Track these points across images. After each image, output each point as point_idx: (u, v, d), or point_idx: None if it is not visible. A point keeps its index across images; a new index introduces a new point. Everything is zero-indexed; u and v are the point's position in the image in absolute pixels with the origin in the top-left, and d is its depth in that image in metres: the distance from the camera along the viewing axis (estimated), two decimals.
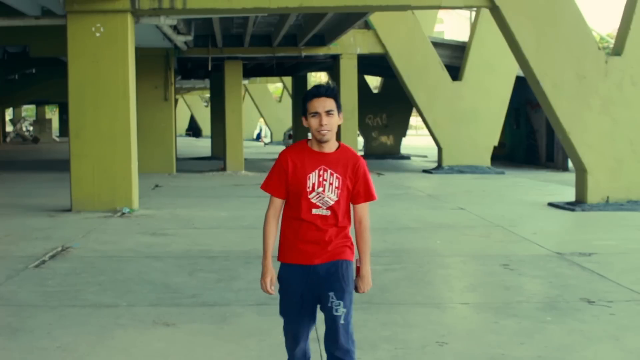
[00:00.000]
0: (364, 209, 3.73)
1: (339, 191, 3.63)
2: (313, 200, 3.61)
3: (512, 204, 13.32)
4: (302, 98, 3.66)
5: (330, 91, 3.63)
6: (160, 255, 8.24)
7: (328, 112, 3.58)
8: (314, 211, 3.61)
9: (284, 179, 3.65)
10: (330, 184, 3.62)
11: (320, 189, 3.61)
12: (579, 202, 12.51)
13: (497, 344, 5.01)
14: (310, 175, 3.61)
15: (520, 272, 7.41)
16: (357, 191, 3.68)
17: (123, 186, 11.86)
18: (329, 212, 3.62)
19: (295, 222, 3.65)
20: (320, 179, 3.62)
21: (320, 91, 3.61)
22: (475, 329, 5.48)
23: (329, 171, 3.62)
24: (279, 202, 3.70)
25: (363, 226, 3.72)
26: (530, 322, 5.54)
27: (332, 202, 3.62)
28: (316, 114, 3.58)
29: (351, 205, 3.71)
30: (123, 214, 11.47)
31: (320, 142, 3.62)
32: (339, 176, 3.62)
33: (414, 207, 12.71)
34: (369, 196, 3.71)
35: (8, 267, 7.45)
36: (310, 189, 3.61)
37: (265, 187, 3.72)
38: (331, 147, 3.66)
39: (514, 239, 9.42)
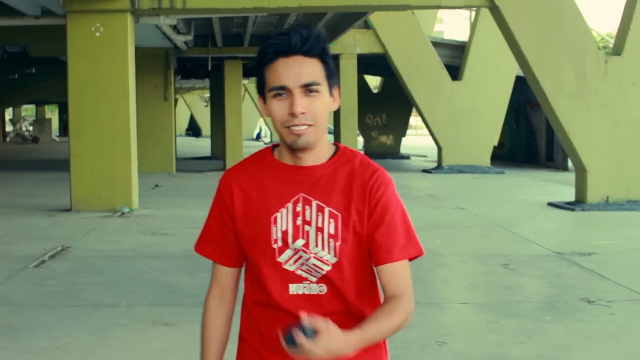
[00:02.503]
0: (400, 274, 1.79)
1: (339, 244, 1.79)
2: (287, 267, 1.81)
3: (511, 203, 13.32)
4: (256, 57, 1.81)
5: (314, 42, 1.75)
6: (160, 255, 8.24)
7: (308, 88, 1.74)
8: (293, 289, 1.81)
9: (230, 227, 1.90)
10: (319, 229, 1.79)
11: (300, 242, 1.80)
12: (579, 202, 12.50)
13: (496, 344, 5.01)
14: (278, 214, 1.81)
15: (520, 272, 7.41)
16: (374, 239, 1.80)
17: (123, 186, 11.85)
18: (323, 289, 1.81)
19: (262, 311, 1.90)
20: (299, 220, 1.80)
21: (291, 42, 1.73)
22: (475, 328, 5.49)
23: (314, 203, 1.80)
24: (226, 274, 1.99)
25: (397, 306, 1.77)
26: (530, 321, 5.54)
27: (328, 268, 1.80)
28: (282, 90, 1.74)
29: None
30: (123, 213, 11.47)
31: (293, 149, 1.80)
32: (335, 212, 1.80)
33: (414, 207, 12.68)
34: (406, 248, 1.80)
35: (8, 267, 7.45)
36: (280, 242, 1.81)
37: (200, 246, 2.00)
38: (318, 155, 1.83)
39: (514, 238, 9.42)
